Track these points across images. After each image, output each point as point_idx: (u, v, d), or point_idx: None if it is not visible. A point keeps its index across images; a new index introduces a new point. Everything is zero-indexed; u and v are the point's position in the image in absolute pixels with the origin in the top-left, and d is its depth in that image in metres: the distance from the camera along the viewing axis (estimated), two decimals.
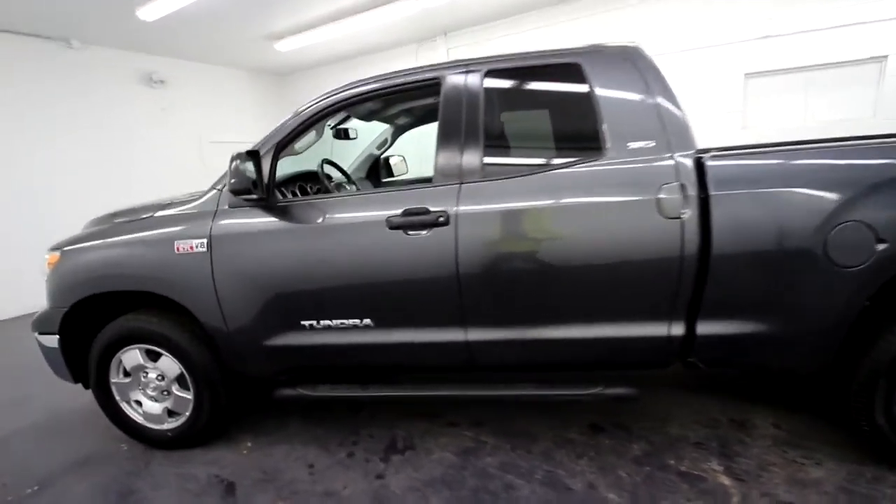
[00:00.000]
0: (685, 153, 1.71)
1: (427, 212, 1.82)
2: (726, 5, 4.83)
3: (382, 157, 3.53)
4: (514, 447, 2.15)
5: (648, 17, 5.21)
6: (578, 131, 1.90)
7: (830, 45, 4.49)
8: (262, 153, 1.95)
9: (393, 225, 1.84)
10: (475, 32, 6.20)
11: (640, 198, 1.69)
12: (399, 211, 1.85)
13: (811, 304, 1.66)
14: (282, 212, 1.99)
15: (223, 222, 2.03)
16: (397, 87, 2.00)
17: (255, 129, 7.91)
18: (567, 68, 1.85)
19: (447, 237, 1.80)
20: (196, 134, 7.15)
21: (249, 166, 1.84)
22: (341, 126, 2.81)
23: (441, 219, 1.80)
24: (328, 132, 2.59)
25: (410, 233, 1.83)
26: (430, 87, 1.98)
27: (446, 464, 2.06)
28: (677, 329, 1.78)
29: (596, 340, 1.83)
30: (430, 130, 3.53)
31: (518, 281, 1.81)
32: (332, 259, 1.92)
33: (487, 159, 1.84)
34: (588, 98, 1.81)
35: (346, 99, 2.03)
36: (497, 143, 1.95)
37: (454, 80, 1.92)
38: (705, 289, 1.71)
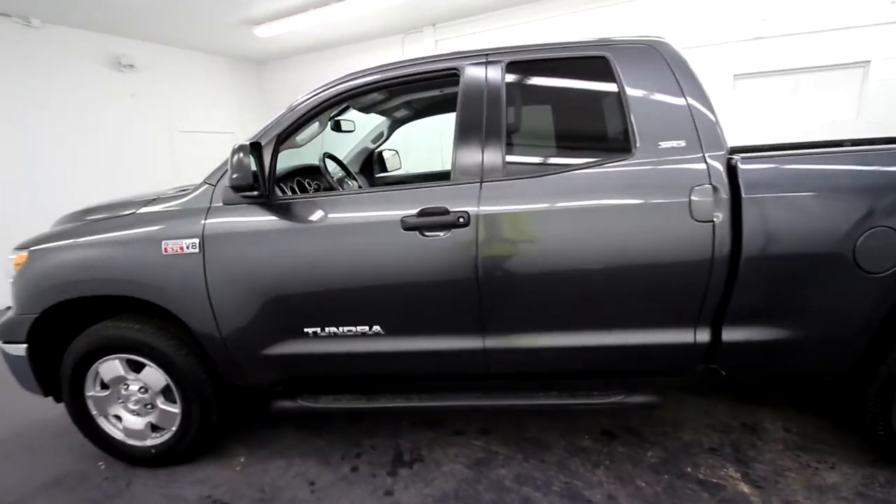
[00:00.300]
0: (716, 153, 1.65)
1: (446, 212, 1.70)
2: (720, 5, 4.86)
3: (376, 151, 3.37)
4: (527, 457, 2.06)
5: (639, 15, 5.20)
6: (606, 129, 1.81)
7: (817, 49, 4.58)
8: (263, 145, 1.79)
9: (408, 226, 1.72)
10: (465, 24, 6.06)
11: (672, 200, 1.62)
12: (414, 211, 1.72)
13: (838, 309, 1.63)
14: (283, 210, 1.83)
15: (217, 221, 1.85)
16: (411, 78, 1.87)
17: (229, 120, 7.61)
18: (593, 62, 1.75)
19: (467, 239, 1.69)
20: (166, 123, 6.76)
21: (251, 160, 1.67)
22: (339, 117, 2.64)
23: (461, 220, 1.68)
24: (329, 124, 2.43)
25: (428, 234, 1.71)
26: (446, 78, 1.86)
27: (458, 477, 1.96)
28: (703, 335, 1.73)
29: (619, 348, 1.76)
30: (423, 125, 3.45)
31: (541, 286, 1.71)
32: (338, 262, 1.78)
33: (510, 157, 1.73)
34: (616, 94, 1.72)
35: (355, 88, 1.88)
36: (519, 139, 1.85)
37: (474, 71, 1.79)
38: (733, 294, 1.67)
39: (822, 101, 4.71)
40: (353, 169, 3.28)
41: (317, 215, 1.80)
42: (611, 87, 1.73)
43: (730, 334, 1.72)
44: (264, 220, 1.82)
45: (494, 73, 1.78)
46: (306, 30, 6.08)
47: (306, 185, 2.41)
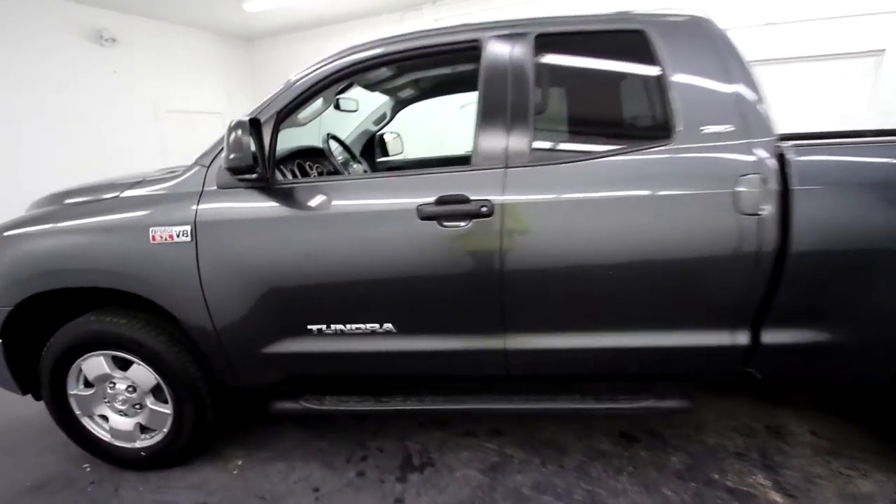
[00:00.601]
0: (765, 140, 1.51)
1: (467, 200, 1.54)
2: None
3: (378, 134, 3.19)
4: (545, 461, 1.95)
5: None
6: (643, 111, 1.66)
7: (830, 36, 4.44)
8: (262, 123, 1.60)
9: (425, 215, 1.56)
10: (466, 2, 5.81)
11: (715, 191, 1.48)
12: (431, 198, 1.56)
13: (890, 309, 1.52)
14: (284, 195, 1.66)
15: (211, 206, 1.67)
16: (427, 51, 1.69)
17: (217, 100, 7.29)
18: (629, 36, 1.59)
19: (490, 230, 1.54)
20: (151, 101, 6.45)
21: (250, 138, 1.49)
22: (341, 95, 2.45)
23: (484, 209, 1.53)
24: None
25: (447, 224, 1.55)
26: (465, 51, 1.68)
27: (473, 483, 1.84)
28: (742, 337, 1.61)
29: (651, 350, 1.64)
30: (421, 107, 3.25)
31: (569, 282, 1.57)
32: (346, 253, 1.62)
33: (537, 141, 1.57)
34: (654, 72, 1.56)
35: (365, 61, 1.69)
36: (548, 122, 1.68)
37: (498, 44, 1.62)
38: (776, 293, 1.54)
39: (834, 90, 4.59)
40: (354, 152, 3.09)
41: (322, 202, 1.64)
42: (648, 64, 1.57)
43: (770, 336, 1.61)
44: (264, 205, 1.65)
45: (521, 47, 1.60)
46: (298, 5, 5.80)
47: (308, 168, 2.22)
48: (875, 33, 4.30)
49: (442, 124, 5.55)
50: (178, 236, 1.65)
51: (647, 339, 1.63)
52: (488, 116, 1.59)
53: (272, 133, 1.64)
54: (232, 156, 1.48)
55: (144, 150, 6.32)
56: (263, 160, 1.56)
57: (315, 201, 1.64)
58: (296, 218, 1.63)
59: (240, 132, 1.46)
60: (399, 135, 3.39)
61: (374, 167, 3.22)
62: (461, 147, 4.40)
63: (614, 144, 1.60)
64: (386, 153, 3.30)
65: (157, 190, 1.76)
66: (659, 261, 1.53)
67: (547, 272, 1.57)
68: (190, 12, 6.17)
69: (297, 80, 1.72)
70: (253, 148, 1.50)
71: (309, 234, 1.62)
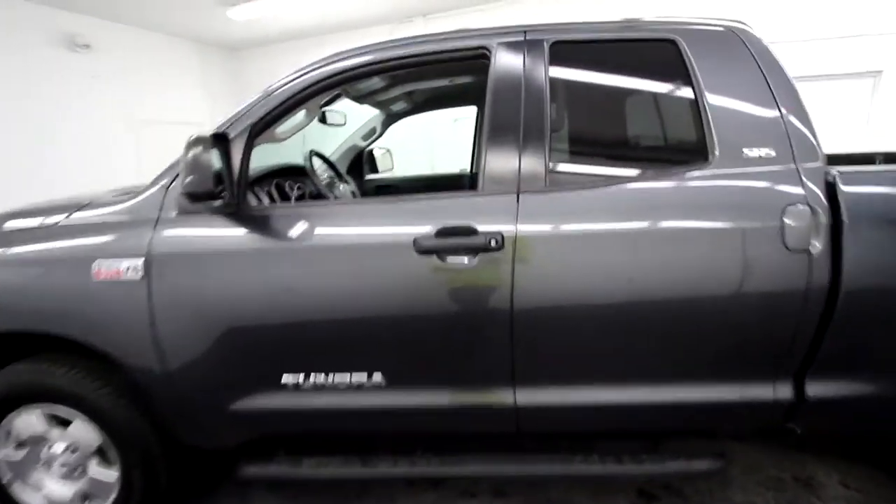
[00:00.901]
0: (812, 166, 1.32)
1: (473, 231, 1.31)
2: (726, 7, 4.62)
3: (367, 150, 2.96)
4: None
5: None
6: (676, 131, 1.46)
7: (828, 57, 4.39)
8: (231, 138, 1.36)
9: (423, 248, 1.32)
10: (460, 16, 5.67)
11: (759, 224, 1.28)
12: (431, 228, 1.33)
13: None
14: (258, 223, 1.40)
15: (169, 236, 1.41)
16: (428, 58, 1.47)
17: (199, 111, 7.00)
18: (660, 46, 1.40)
19: (500, 267, 1.31)
20: (127, 111, 6.13)
21: (213, 157, 1.24)
22: (328, 108, 2.23)
23: (493, 242, 1.30)
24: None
25: (449, 260, 1.32)
26: (470, 60, 1.47)
27: None
28: (784, 390, 1.40)
29: (683, 405, 1.42)
30: (409, 122, 3.04)
31: (589, 327, 1.35)
32: (329, 294, 1.38)
33: (554, 163, 1.36)
34: (688, 87, 1.37)
35: (354, 69, 1.47)
36: (566, 141, 1.47)
37: (509, 52, 1.41)
38: (825, 339, 1.34)
39: (830, 110, 4.53)
40: (341, 169, 2.86)
41: (302, 232, 1.39)
42: (681, 78, 1.38)
43: (815, 388, 1.40)
44: (233, 236, 1.39)
45: (536, 56, 1.40)
46: (286, 14, 5.59)
47: (288, 189, 1.97)
48: (872, 54, 4.26)
49: (433, 140, 5.37)
50: (127, 272, 1.38)
51: (678, 393, 1.41)
52: (497, 134, 1.38)
53: (244, 150, 1.39)
54: (189, 178, 1.22)
55: (119, 162, 5.98)
56: (232, 182, 1.31)
57: (294, 231, 1.39)
58: (271, 251, 1.37)
59: (199, 150, 1.21)
60: (389, 150, 3.17)
61: (363, 185, 2.99)
62: (454, 164, 4.23)
63: (642, 168, 1.39)
64: (375, 170, 3.08)
65: (105, 215, 1.49)
66: (694, 303, 1.33)
67: (565, 315, 1.34)
68: (170, 19, 5.91)
69: (276, 90, 1.48)
70: (218, 167, 1.25)
71: (286, 271, 1.37)
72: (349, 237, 1.39)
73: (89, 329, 1.43)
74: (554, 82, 1.40)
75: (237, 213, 1.40)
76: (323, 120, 2.37)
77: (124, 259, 1.38)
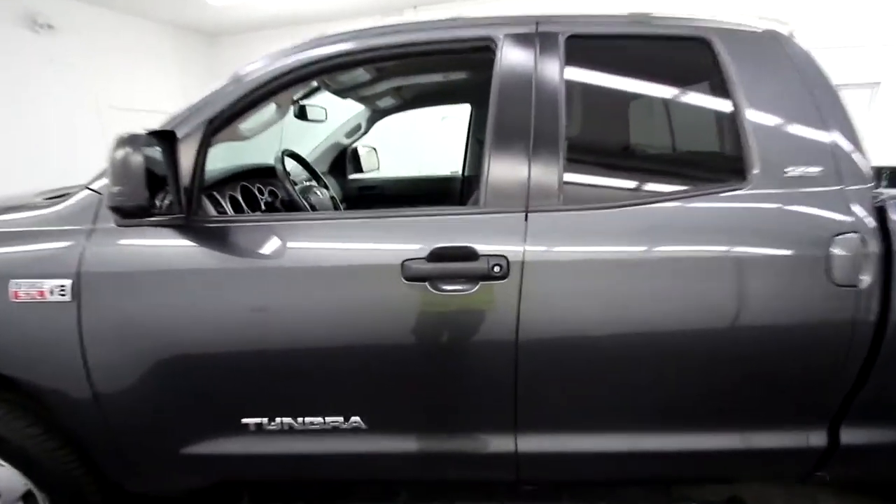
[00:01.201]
0: (860, 188, 1.15)
1: (473, 255, 1.11)
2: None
3: (351, 148, 2.73)
4: None
5: None
6: (709, 144, 1.28)
7: (827, 67, 4.30)
8: (180, 136, 1.12)
9: (413, 273, 1.11)
10: (453, 6, 5.43)
11: (804, 254, 1.11)
12: (422, 249, 1.12)
13: None
14: (213, 238, 1.17)
15: (105, 251, 1.16)
16: (420, 48, 1.25)
17: (174, 98, 6.61)
18: (690, 46, 1.21)
19: (505, 297, 1.11)
20: (93, 97, 5.74)
21: (152, 157, 1.00)
22: (306, 101, 1.99)
23: (497, 268, 1.10)
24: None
25: (444, 288, 1.11)
26: (473, 52, 1.26)
27: None
28: (817, 437, 1.24)
29: (705, 452, 1.24)
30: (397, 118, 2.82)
31: (608, 366, 1.16)
32: (300, 323, 1.16)
33: (570, 176, 1.16)
34: (725, 94, 1.19)
35: (334, 58, 1.24)
36: (583, 151, 1.27)
37: (518, 45, 1.20)
38: (867, 383, 1.18)
39: None
40: (321, 168, 2.62)
41: (267, 248, 1.16)
42: (715, 83, 1.20)
43: (851, 435, 1.24)
44: (182, 252, 1.16)
45: (549, 51, 1.19)
46: (269, 1, 5.28)
47: (258, 192, 1.72)
48: (870, 66, 4.19)
49: (420, 139, 5.13)
50: (51, 293, 1.13)
51: (703, 441, 1.24)
52: (503, 140, 1.17)
53: (198, 150, 1.16)
54: (116, 188, 0.98)
55: (83, 150, 5.59)
56: (179, 189, 1.08)
57: (256, 248, 1.16)
58: (228, 271, 1.14)
59: (128, 152, 0.96)
60: (374, 149, 2.95)
61: (346, 185, 2.75)
62: (441, 164, 4.00)
63: (670, 185, 1.21)
64: (360, 169, 2.85)
65: (27, 223, 1.23)
66: (724, 341, 1.15)
67: (578, 354, 1.15)
68: (143, 1, 5.54)
69: (241, 79, 1.25)
70: (160, 172, 1.01)
71: (246, 296, 1.14)
72: (324, 257, 1.16)
73: (7, 360, 1.18)
74: (571, 83, 1.19)
75: (187, 226, 1.16)
76: (302, 115, 2.14)
77: (48, 279, 1.14)
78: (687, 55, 1.22)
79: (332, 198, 1.80)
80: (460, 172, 2.81)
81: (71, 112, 5.51)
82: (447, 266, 1.11)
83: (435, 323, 1.13)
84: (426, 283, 1.11)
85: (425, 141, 5.15)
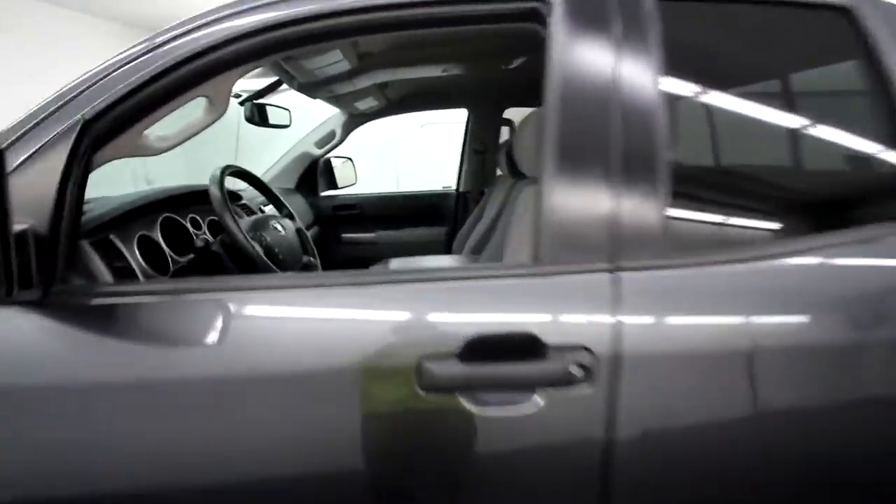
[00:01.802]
0: None
1: (535, 345, 0.66)
2: None
3: (323, 160, 2.29)
4: None
5: None
6: (866, 160, 0.86)
7: None
8: (26, 154, 0.65)
9: (436, 382, 0.66)
10: None
11: None
12: (446, 335, 0.67)
13: None
14: (93, 326, 0.69)
15: None
16: (425, 10, 0.80)
17: None
18: (826, 18, 0.82)
19: (589, 414, 0.67)
20: (26, 99, 5.05)
21: None
22: (262, 101, 1.52)
23: (574, 367, 0.66)
24: (234, 110, 1.27)
25: (488, 402, 0.66)
26: (512, 20, 0.82)
27: None
28: None
29: None
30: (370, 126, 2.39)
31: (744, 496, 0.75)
32: (241, 474, 0.69)
33: (677, 211, 0.74)
34: (880, 86, 0.79)
35: (309, 19, 0.76)
36: (695, 169, 0.84)
37: (586, 15, 0.77)
38: None
39: None
40: (286, 184, 2.14)
41: (189, 342, 0.69)
42: (865, 71, 0.81)
43: None
44: (37, 350, 0.67)
45: (633, 21, 0.77)
46: None
47: (190, 229, 1.20)
48: None
49: (397, 148, 4.63)
50: None
51: None
52: (569, 156, 0.74)
53: (65, 173, 0.68)
54: None
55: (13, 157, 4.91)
56: (9, 246, 0.59)
57: (167, 340, 0.68)
58: (113, 389, 0.66)
59: None
60: (350, 160, 2.51)
61: (317, 204, 2.29)
62: (422, 178, 3.55)
63: (817, 222, 0.80)
64: (334, 184, 2.40)
65: None
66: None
67: (708, 487, 0.72)
68: None
69: (149, 51, 0.78)
70: None
71: (152, 422, 0.67)
72: (282, 356, 0.69)
73: None
74: (669, 68, 0.77)
75: (46, 306, 0.67)
76: (259, 119, 1.67)
77: None
78: (821, 29, 0.82)
79: (299, 231, 1.29)
80: (454, 188, 2.40)
81: (3, 116, 4.83)
82: (493, 368, 0.66)
83: (474, 457, 0.68)
84: (456, 394, 0.66)
85: (405, 151, 4.69)
